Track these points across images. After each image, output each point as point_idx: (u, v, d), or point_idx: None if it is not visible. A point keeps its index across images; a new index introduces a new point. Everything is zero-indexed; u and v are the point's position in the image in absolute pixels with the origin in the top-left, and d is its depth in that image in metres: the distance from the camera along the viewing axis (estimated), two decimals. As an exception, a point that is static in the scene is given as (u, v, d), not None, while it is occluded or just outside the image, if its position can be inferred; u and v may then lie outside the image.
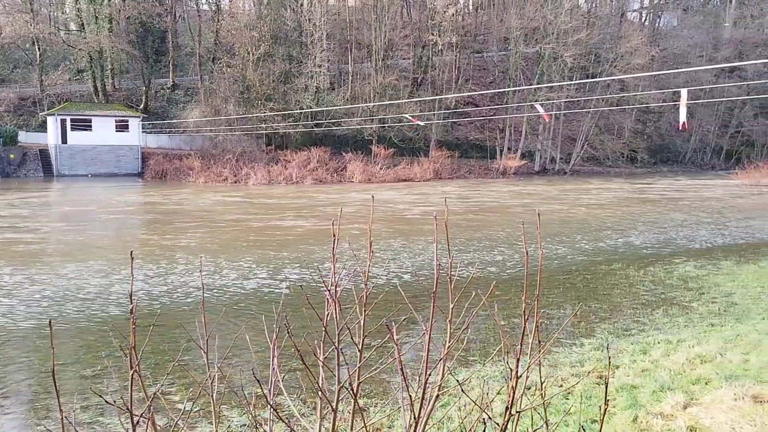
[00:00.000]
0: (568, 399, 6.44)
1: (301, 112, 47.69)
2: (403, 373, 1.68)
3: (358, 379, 1.69)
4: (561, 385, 6.95)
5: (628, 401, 6.04)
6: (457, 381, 1.75)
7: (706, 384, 6.39)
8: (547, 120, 22.62)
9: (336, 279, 1.73)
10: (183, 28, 59.48)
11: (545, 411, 1.83)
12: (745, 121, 68.09)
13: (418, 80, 58.67)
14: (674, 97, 53.15)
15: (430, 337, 1.69)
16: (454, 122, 58.12)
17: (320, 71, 50.03)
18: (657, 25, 76.76)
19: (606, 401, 1.68)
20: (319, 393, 1.74)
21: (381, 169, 48.05)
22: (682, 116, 16.49)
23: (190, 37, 57.06)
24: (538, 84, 54.05)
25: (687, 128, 56.27)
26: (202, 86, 52.73)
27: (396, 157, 50.60)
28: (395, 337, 1.59)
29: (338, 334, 1.66)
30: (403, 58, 59.05)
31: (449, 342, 1.75)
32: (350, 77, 53.94)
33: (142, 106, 53.35)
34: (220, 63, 50.69)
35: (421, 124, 34.86)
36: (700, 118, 66.19)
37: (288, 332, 1.73)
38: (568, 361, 7.87)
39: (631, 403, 5.95)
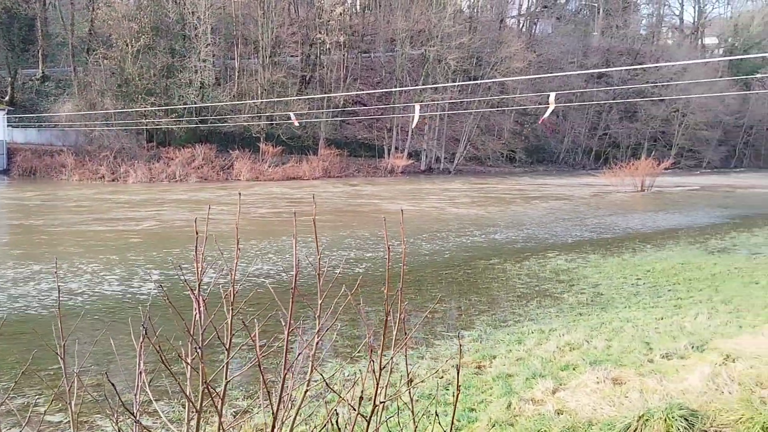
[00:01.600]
0: (448, 389, 6.69)
1: (185, 108, 46.01)
2: (261, 372, 1.70)
3: (226, 378, 1.68)
4: (442, 377, 7.20)
5: (503, 389, 6.36)
6: (322, 376, 1.79)
7: (574, 369, 6.85)
8: (425, 124, 23.32)
9: (201, 278, 1.71)
10: (54, 15, 55.50)
11: (412, 401, 1.91)
12: (611, 124, 73.29)
13: (307, 78, 58.36)
14: (549, 100, 56.25)
15: (288, 336, 1.72)
16: (343, 121, 58.35)
17: (205, 66, 48.49)
18: (533, 31, 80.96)
19: (458, 387, 1.79)
20: (186, 395, 1.72)
21: (269, 167, 47.37)
22: (546, 114, 18.85)
23: (61, 26, 53.34)
24: (423, 85, 55.41)
25: (545, 124, 59.68)
26: (75, 78, 49.45)
27: (284, 155, 50.06)
28: (256, 336, 1.61)
29: (201, 334, 1.65)
30: (291, 56, 58.48)
31: (318, 339, 1.79)
32: (237, 73, 52.67)
33: (7, 98, 49.24)
34: (95, 54, 47.76)
35: (296, 124, 34.71)
36: (572, 120, 70.54)
37: (146, 335, 1.70)
38: (449, 353, 8.16)
39: (506, 390, 6.28)
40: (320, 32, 55.38)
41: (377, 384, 1.69)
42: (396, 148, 58.80)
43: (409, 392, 1.87)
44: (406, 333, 1.82)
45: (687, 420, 3.84)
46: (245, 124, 48.55)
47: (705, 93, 66.74)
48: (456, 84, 53.76)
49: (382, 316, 9.69)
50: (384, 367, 1.75)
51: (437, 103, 57.16)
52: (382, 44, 63.41)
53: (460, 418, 5.74)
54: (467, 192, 38.27)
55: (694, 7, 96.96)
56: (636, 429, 3.93)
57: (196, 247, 1.75)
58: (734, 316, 9.44)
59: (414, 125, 31.32)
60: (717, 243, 18.42)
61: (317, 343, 1.79)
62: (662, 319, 9.45)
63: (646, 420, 3.92)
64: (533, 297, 11.58)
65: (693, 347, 7.30)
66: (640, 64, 68.61)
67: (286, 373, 1.68)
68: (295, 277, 1.79)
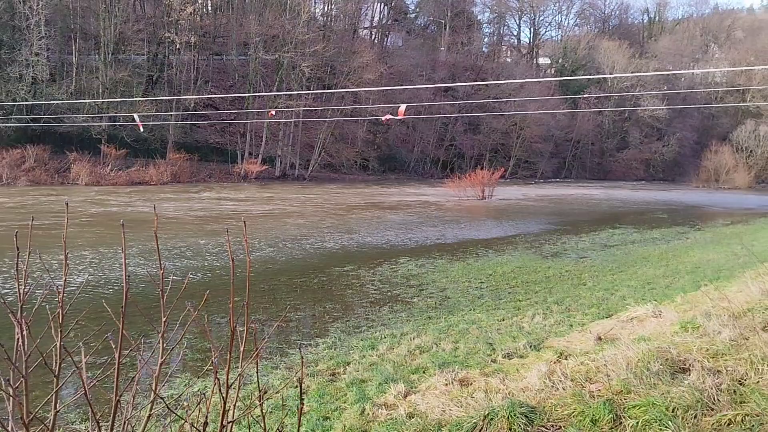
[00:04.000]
0: (303, 399, 6.62)
1: (15, 105, 41.81)
2: (89, 403, 1.56)
3: (55, 408, 1.52)
4: (296, 387, 7.12)
5: (357, 395, 6.41)
6: (162, 398, 1.67)
7: (424, 372, 7.08)
8: (401, 115, 23.34)
9: (23, 299, 1.53)
10: None
11: (264, 416, 1.85)
12: (457, 135, 77.12)
13: (154, 78, 55.50)
14: (398, 112, 58.04)
15: (119, 357, 1.60)
16: (194, 124, 56.15)
17: (38, 60, 44.45)
18: (385, 44, 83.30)
19: (301, 400, 1.76)
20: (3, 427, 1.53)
21: (112, 170, 44.34)
22: (388, 117, 20.41)
23: None
24: (278, 91, 54.90)
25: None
26: None
27: (129, 159, 47.15)
28: (82, 363, 1.47)
29: (26, 359, 1.48)
30: (137, 54, 55.29)
31: (162, 357, 1.67)
32: (75, 69, 48.82)
33: None
34: None
35: (141, 128, 32.93)
36: (421, 131, 73.33)
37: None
38: (303, 361, 8.09)
39: (360, 396, 6.33)
40: (169, 31, 52.96)
41: (224, 403, 1.61)
42: (250, 154, 57.67)
43: (261, 407, 1.81)
44: (256, 345, 1.76)
45: (527, 417, 4.09)
46: (84, 124, 45.07)
47: (539, 109, 72.49)
48: (310, 92, 53.84)
49: (236, 326, 9.41)
50: (232, 384, 1.68)
51: (292, 110, 56.87)
52: (234, 47, 61.95)
53: (315, 427, 5.71)
54: (322, 198, 38.40)
55: (529, 29, 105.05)
56: (482, 428, 4.12)
57: (17, 264, 1.57)
58: (565, 315, 10.27)
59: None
60: (550, 248, 19.97)
61: (160, 364, 1.67)
62: (503, 320, 10.05)
63: (491, 419, 4.13)
64: (386, 302, 11.83)
65: (531, 346, 7.83)
66: (482, 79, 73.01)
67: (117, 401, 1.55)
68: (125, 294, 1.66)
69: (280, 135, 60.06)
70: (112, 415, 1.51)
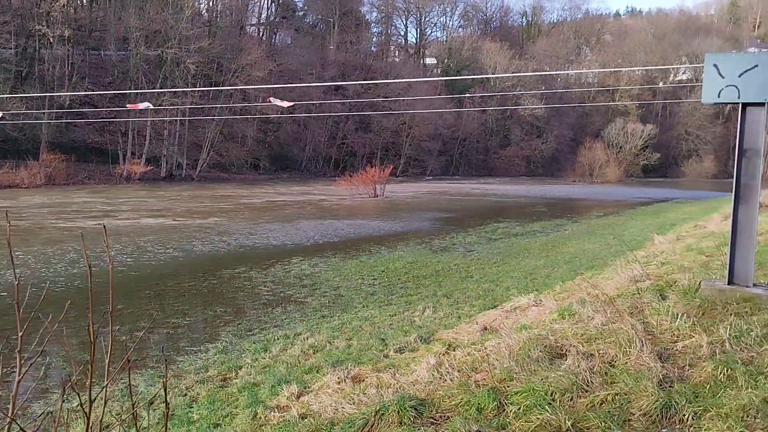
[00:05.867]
0: (192, 407, 6.43)
1: None
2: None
3: None
4: (185, 395, 6.90)
5: (249, 399, 6.31)
6: (16, 421, 1.58)
7: (317, 372, 7.07)
8: (286, 105, 22.60)
9: None
10: None
11: (149, 427, 1.79)
12: (348, 134, 77.51)
13: (23, 74, 51.61)
14: (289, 110, 57.43)
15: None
16: (69, 123, 52.77)
17: None
18: (274, 41, 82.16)
19: (167, 405, 1.72)
20: None
21: (-27, 173, 40.84)
22: (276, 102, 23.11)
23: None
24: (161, 88, 52.73)
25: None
26: None
27: (-5, 160, 43.63)
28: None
29: None
30: (4, 48, 51.14)
31: (20, 375, 1.57)
32: (-73, 63, 44.49)
33: None
34: None
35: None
36: (312, 130, 73.03)
37: None
38: (192, 368, 7.85)
39: (252, 400, 6.24)
40: (40, 24, 49.42)
41: (87, 419, 1.53)
42: (133, 154, 55.03)
43: (135, 418, 1.74)
44: (127, 355, 1.69)
45: (416, 410, 4.20)
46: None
47: (427, 108, 74.25)
48: (196, 89, 52.14)
49: (117, 335, 8.96)
50: (95, 399, 1.60)
51: (177, 108, 54.83)
52: (113, 42, 58.79)
53: (205, 435, 5.56)
54: (210, 199, 37.31)
55: (416, 29, 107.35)
56: (373, 424, 4.19)
57: None
58: (454, 308, 10.61)
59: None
60: (439, 243, 20.54)
61: (18, 382, 1.57)
62: (395, 315, 10.24)
63: (382, 414, 4.20)
64: (279, 303, 11.70)
65: (421, 340, 8.03)
66: (372, 78, 73.77)
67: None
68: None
69: (165, 134, 57.73)
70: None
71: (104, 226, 1.65)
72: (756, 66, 6.44)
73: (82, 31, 57.30)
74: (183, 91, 52.50)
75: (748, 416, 3.79)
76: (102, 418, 1.61)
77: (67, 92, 49.02)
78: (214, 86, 56.17)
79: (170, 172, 58.00)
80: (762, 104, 6.59)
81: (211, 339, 9.34)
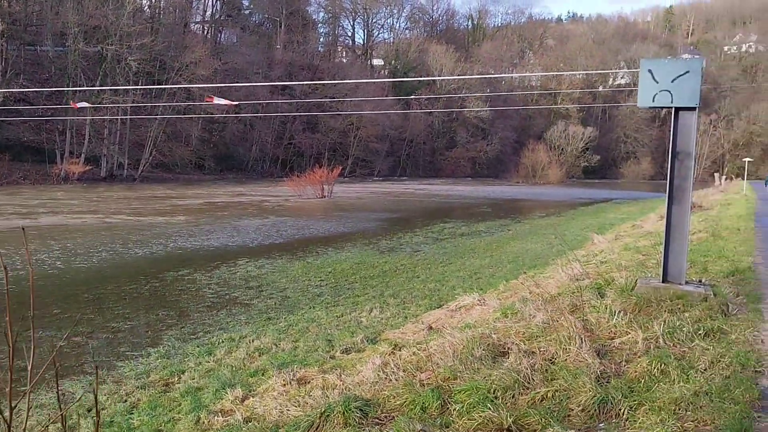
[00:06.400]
0: (132, 413, 6.27)
1: None
2: None
3: None
4: (126, 401, 6.72)
5: (192, 404, 6.19)
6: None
7: (263, 375, 7.00)
8: (228, 104, 22.06)
9: None
10: None
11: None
12: (295, 134, 77.01)
13: (-49, 69, 49.26)
14: (236, 110, 56.71)
15: None
16: (3, 121, 50.58)
17: None
18: (219, 39, 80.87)
19: (97, 411, 1.68)
20: None
21: None
22: (218, 101, 22.84)
23: None
24: (101, 86, 51.16)
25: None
26: None
27: None
28: None
29: None
30: (-71, 41, 48.72)
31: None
32: None
33: None
34: None
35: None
36: (259, 129, 72.24)
37: None
38: (133, 373, 7.65)
39: (195, 405, 6.12)
40: (-32, 17, 47.24)
41: (9, 430, 1.48)
42: (71, 153, 53.17)
43: (64, 427, 1.69)
44: (55, 361, 1.63)
45: (362, 410, 4.21)
46: None
47: (374, 109, 74.46)
48: (138, 87, 50.80)
49: (54, 341, 8.65)
50: (14, 408, 1.55)
51: (118, 106, 53.30)
52: (50, 37, 56.67)
53: (147, 442, 5.44)
54: (153, 199, 36.41)
55: (363, 31, 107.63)
56: (318, 426, 4.17)
57: None
58: (401, 308, 10.67)
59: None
60: (387, 243, 20.62)
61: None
62: (342, 316, 10.23)
63: (327, 416, 4.19)
64: (224, 305, 11.52)
65: (368, 340, 8.06)
66: (319, 78, 73.48)
67: None
68: None
69: (105, 133, 56.04)
70: None
71: (23, 228, 1.60)
72: (687, 72, 6.72)
73: (17, 25, 55.00)
74: (124, 89, 51.07)
75: (679, 409, 3.95)
76: (25, 427, 1.55)
77: (1, 89, 46.99)
78: (157, 84, 54.81)
79: (111, 172, 56.35)
80: (693, 109, 6.88)
81: (153, 343, 9.12)
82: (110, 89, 49.63)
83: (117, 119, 54.89)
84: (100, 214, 27.84)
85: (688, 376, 4.46)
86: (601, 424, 3.93)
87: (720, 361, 4.79)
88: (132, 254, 17.42)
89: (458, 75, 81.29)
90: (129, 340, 9.40)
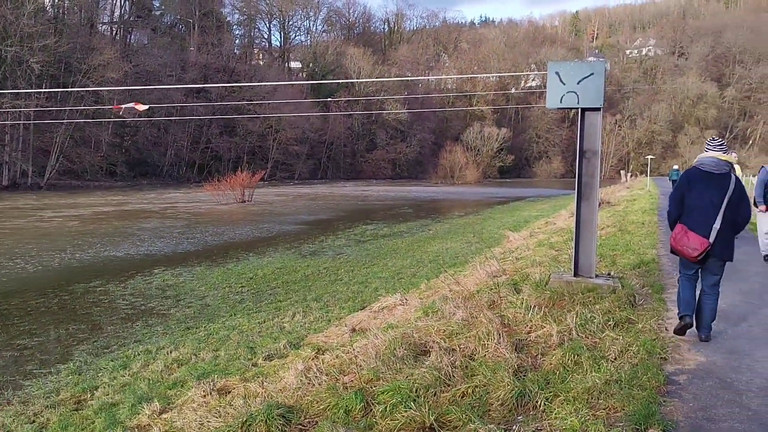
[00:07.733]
0: (41, 435, 5.95)
1: None
2: None
3: None
4: (34, 421, 6.36)
5: (107, 421, 5.93)
6: None
7: (182, 386, 6.79)
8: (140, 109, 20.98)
9: None
10: None
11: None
12: (212, 138, 75.24)
13: None
14: (147, 113, 54.72)
15: None
16: None
17: None
18: (128, 41, 77.89)
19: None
20: None
21: None
22: (133, 105, 22.75)
23: None
24: (1, 89, 48.19)
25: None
26: None
27: None
28: None
29: None
30: None
31: None
32: None
33: None
34: None
35: None
36: (174, 133, 70.10)
37: None
38: (42, 392, 7.25)
39: (111, 422, 5.87)
40: None
41: None
42: (-34, 161, 49.86)
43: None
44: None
45: (285, 417, 4.16)
46: None
47: (293, 112, 73.83)
48: (41, 90, 48.19)
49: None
50: None
51: (20, 111, 50.36)
52: (-60, 37, 52.93)
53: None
54: (59, 207, 34.59)
55: (280, 33, 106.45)
56: (240, 435, 4.09)
57: None
58: (324, 311, 10.63)
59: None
60: (309, 247, 20.48)
61: None
62: (265, 322, 10.07)
63: (249, 425, 4.11)
64: (139, 317, 11.10)
65: (291, 345, 7.97)
66: (236, 81, 72.09)
67: None
68: None
69: (6, 139, 52.85)
70: None
71: None
72: (592, 74, 7.04)
73: None
74: (26, 92, 48.34)
75: (592, 398, 4.13)
76: None
77: None
78: (63, 87, 52.20)
79: (13, 180, 53.23)
80: (598, 109, 7.22)
81: (63, 359, 8.68)
82: (10, 93, 46.81)
83: (19, 124, 51.88)
84: (2, 224, 26.21)
85: (599, 365, 4.67)
86: (519, 417, 4.05)
87: (629, 349, 5.05)
88: (38, 267, 16.50)
89: (376, 77, 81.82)
90: (37, 357, 8.90)
